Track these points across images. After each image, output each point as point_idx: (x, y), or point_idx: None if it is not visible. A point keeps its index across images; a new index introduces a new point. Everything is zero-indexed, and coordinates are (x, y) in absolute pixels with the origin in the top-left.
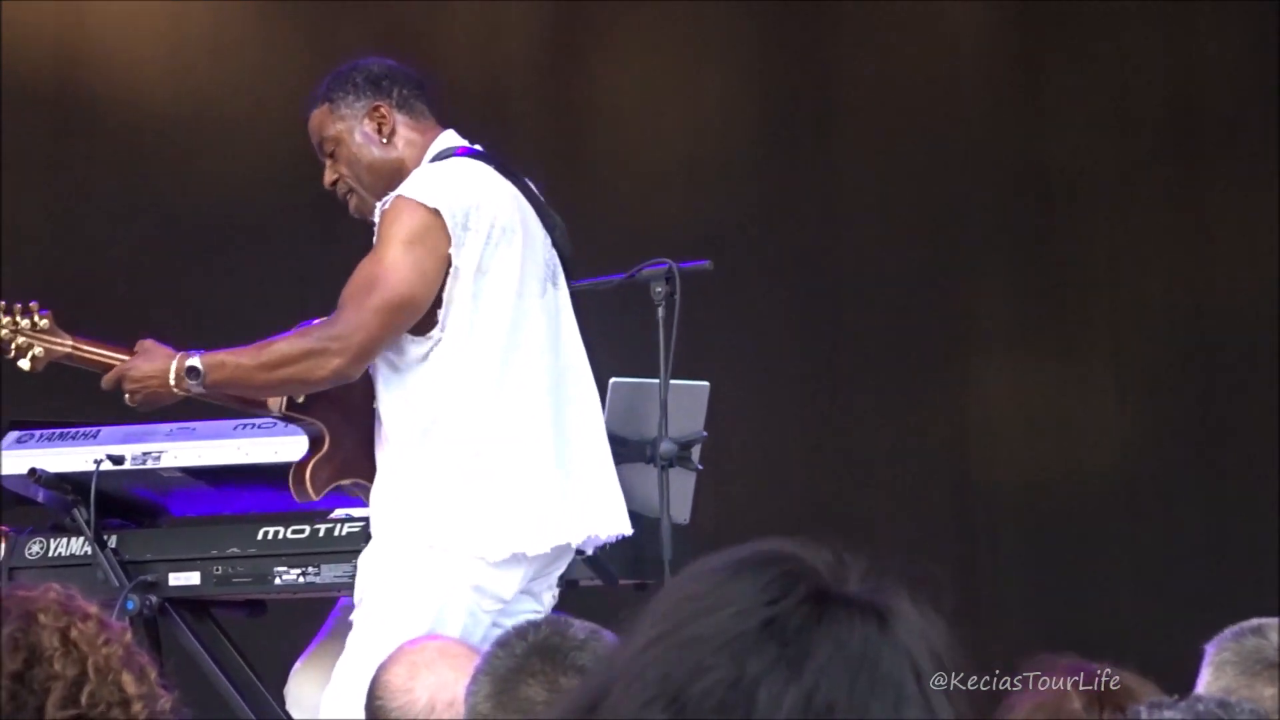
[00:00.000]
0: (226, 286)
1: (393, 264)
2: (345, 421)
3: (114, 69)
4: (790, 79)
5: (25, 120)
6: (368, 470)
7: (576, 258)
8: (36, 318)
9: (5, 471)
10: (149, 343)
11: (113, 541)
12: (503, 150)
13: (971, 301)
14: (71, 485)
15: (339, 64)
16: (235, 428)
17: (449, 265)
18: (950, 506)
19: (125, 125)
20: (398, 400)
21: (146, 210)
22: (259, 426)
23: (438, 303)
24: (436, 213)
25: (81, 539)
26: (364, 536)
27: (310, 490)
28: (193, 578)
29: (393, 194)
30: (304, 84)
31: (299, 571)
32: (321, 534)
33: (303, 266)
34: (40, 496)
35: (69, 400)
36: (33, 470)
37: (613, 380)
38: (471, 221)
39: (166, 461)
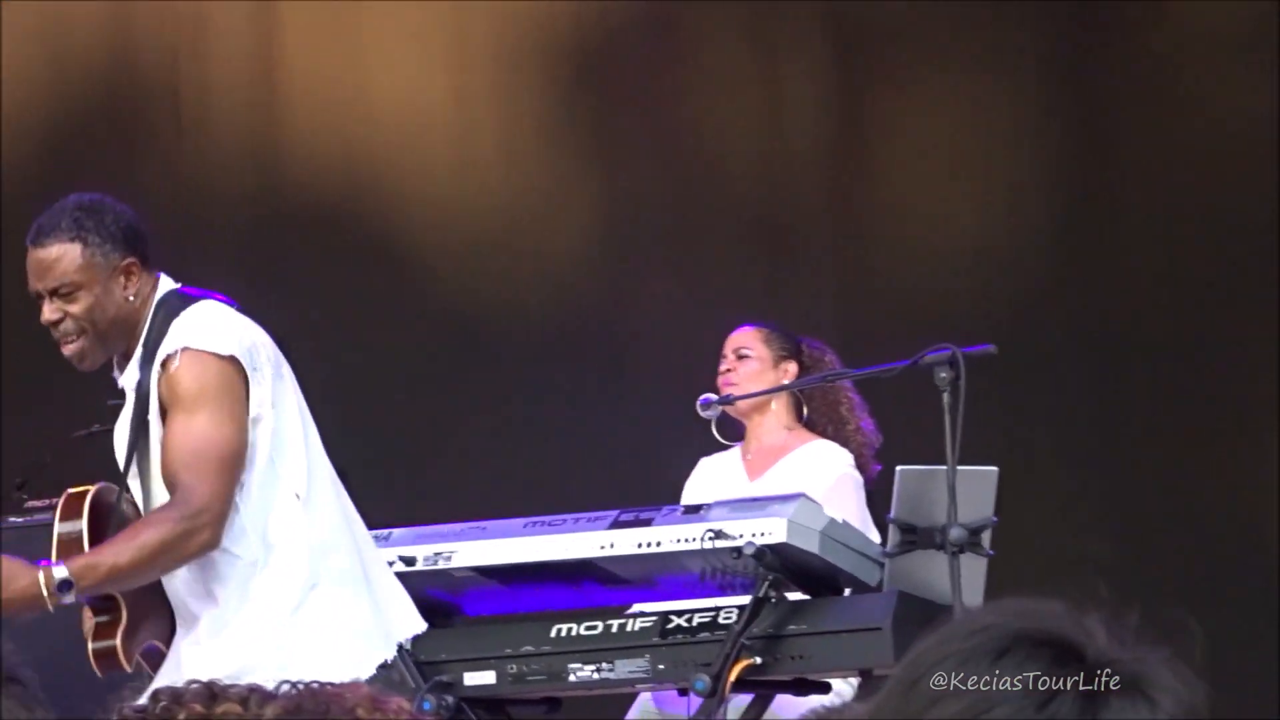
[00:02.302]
0: (524, 407)
1: (216, 424)
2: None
3: (398, 192)
4: (1078, 162)
5: (311, 241)
6: (162, 628)
7: (862, 344)
8: None
9: None
10: (6, 560)
11: (408, 643)
12: (789, 242)
13: (1266, 375)
14: None
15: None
16: (525, 525)
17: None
18: (1255, 583)
19: (410, 247)
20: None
21: (435, 324)
22: (549, 524)
23: None
24: (232, 359)
25: None
26: (658, 631)
27: (125, 664)
28: (488, 677)
29: (177, 348)
30: (589, 192)
31: (594, 668)
32: (615, 630)
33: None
34: None
35: (358, 505)
36: None
37: (900, 468)
38: (258, 360)
39: (458, 561)
